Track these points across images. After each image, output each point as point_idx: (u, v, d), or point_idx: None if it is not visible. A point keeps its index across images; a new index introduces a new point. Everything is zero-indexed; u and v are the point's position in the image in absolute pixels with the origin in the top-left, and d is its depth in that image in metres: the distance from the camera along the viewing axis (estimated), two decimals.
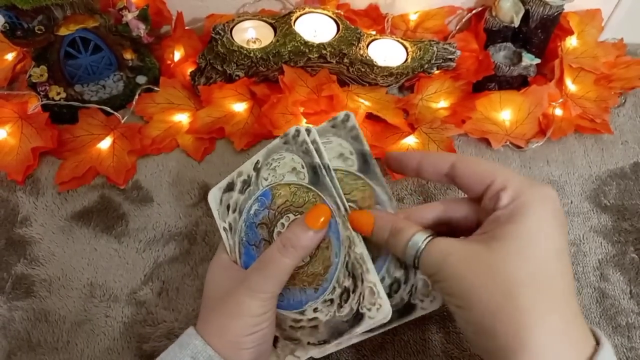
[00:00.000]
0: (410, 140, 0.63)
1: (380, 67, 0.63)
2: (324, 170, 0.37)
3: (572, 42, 0.71)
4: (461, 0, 0.73)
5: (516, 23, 0.66)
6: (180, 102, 0.65)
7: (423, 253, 0.32)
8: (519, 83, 0.68)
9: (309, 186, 0.38)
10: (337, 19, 0.66)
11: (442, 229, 0.35)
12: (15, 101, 0.63)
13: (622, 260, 0.56)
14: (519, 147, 0.64)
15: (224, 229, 0.43)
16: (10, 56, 0.69)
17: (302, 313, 0.38)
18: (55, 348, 0.49)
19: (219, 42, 0.62)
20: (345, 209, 0.37)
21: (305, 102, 0.63)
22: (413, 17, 0.74)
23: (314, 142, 0.39)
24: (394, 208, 0.38)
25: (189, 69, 0.68)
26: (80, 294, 0.52)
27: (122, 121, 0.63)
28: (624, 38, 0.74)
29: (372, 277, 0.35)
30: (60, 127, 0.62)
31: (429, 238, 0.32)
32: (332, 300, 0.36)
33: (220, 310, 0.38)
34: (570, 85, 0.68)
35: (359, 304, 0.35)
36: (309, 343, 0.38)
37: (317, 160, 0.38)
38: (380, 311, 0.34)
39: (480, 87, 0.67)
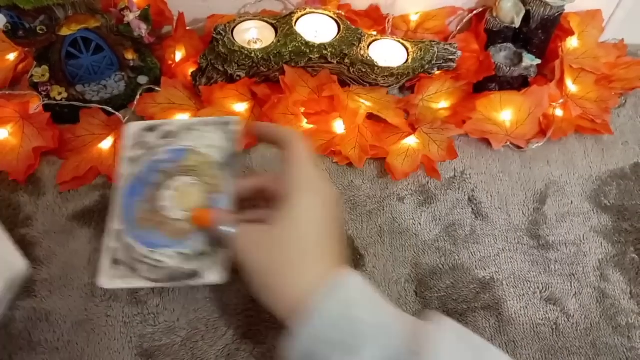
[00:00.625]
0: (411, 141, 0.63)
1: (381, 67, 0.63)
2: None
3: (572, 42, 0.71)
4: (462, 1, 0.73)
5: (517, 24, 0.66)
6: (182, 102, 0.65)
7: (228, 239, 0.40)
8: (520, 83, 0.68)
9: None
10: (338, 20, 0.66)
11: (261, 197, 0.45)
12: (16, 101, 0.63)
13: (622, 261, 0.56)
14: (519, 147, 0.64)
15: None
16: (12, 56, 0.69)
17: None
18: (56, 347, 0.49)
19: (220, 42, 0.62)
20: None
21: (306, 103, 0.63)
22: (414, 18, 0.74)
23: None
24: (231, 201, 0.44)
25: (190, 69, 0.68)
26: (81, 293, 0.52)
27: (124, 121, 0.63)
28: (625, 39, 0.74)
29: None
30: (62, 127, 0.62)
31: (233, 229, 0.40)
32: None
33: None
34: (571, 86, 0.68)
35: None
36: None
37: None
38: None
39: (480, 87, 0.67)
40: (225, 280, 0.42)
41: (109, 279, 0.43)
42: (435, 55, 0.65)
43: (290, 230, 0.38)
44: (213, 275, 0.42)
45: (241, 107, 0.64)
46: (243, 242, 0.39)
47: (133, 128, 0.48)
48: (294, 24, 0.64)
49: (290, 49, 0.62)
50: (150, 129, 0.47)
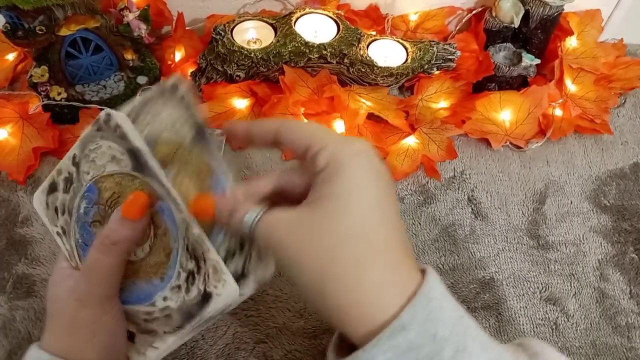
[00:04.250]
0: (411, 141, 0.63)
1: (381, 67, 0.63)
2: (144, 154, 0.34)
3: (572, 42, 0.71)
4: (461, 1, 0.73)
5: (516, 23, 0.66)
6: None
7: (255, 228, 0.31)
8: (519, 83, 0.68)
9: (134, 173, 0.35)
10: (337, 20, 0.66)
11: (279, 199, 0.34)
12: (16, 101, 0.63)
13: (622, 261, 0.56)
14: (518, 147, 0.64)
15: (57, 233, 0.40)
16: (11, 56, 0.69)
17: (153, 304, 0.37)
18: None
19: (220, 42, 0.62)
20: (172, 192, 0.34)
21: (306, 103, 0.63)
22: (413, 18, 0.74)
23: (118, 126, 0.35)
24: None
25: (190, 69, 0.68)
26: None
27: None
28: (624, 38, 0.74)
29: (213, 255, 0.34)
30: (61, 127, 0.62)
31: (260, 213, 0.31)
32: (179, 286, 0.35)
33: (58, 328, 0.36)
34: (570, 86, 0.68)
35: (205, 284, 0.34)
36: (165, 332, 0.37)
37: (135, 144, 0.34)
38: (226, 286, 0.34)
39: (480, 87, 0.67)
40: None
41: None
42: (435, 55, 0.65)
43: (347, 210, 0.29)
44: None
45: (242, 103, 0.64)
46: (276, 231, 0.30)
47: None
48: (293, 24, 0.64)
49: (289, 49, 0.62)
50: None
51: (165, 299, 0.36)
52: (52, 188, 0.40)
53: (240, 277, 0.35)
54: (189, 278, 0.35)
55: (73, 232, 0.39)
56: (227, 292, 0.34)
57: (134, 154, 0.35)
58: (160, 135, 0.36)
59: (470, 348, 0.27)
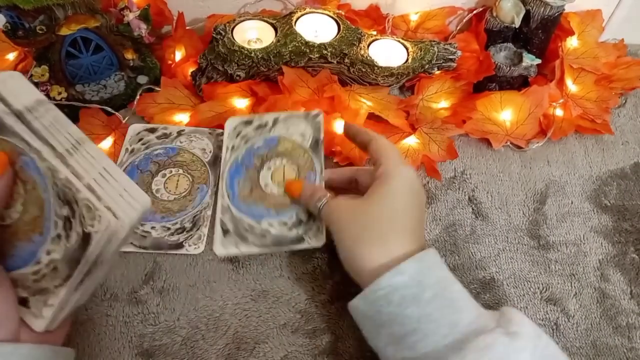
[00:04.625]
0: (411, 141, 0.63)
1: (381, 67, 0.63)
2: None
3: (572, 42, 0.71)
4: (462, 1, 0.73)
5: (517, 23, 0.66)
6: (181, 102, 0.65)
7: (322, 210, 0.47)
8: (520, 83, 0.68)
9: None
10: (338, 19, 0.66)
11: (352, 186, 0.51)
12: None
13: (623, 261, 0.56)
14: (519, 147, 0.64)
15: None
16: (11, 56, 0.69)
17: (39, 262, 0.37)
18: None
19: (220, 42, 0.62)
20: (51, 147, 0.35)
21: (306, 103, 0.63)
22: (414, 18, 0.74)
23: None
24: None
25: (190, 69, 0.68)
26: None
27: (123, 121, 0.63)
28: (625, 39, 0.74)
29: (84, 193, 0.34)
30: None
31: (325, 200, 0.47)
32: (59, 235, 0.36)
33: None
34: (571, 86, 0.68)
35: (82, 226, 0.35)
36: (55, 286, 0.37)
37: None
38: (102, 221, 0.34)
39: (480, 87, 0.67)
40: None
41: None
42: (435, 55, 0.65)
43: (384, 204, 0.43)
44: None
45: (242, 103, 0.64)
46: (335, 212, 0.45)
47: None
48: (293, 24, 0.64)
49: (290, 49, 0.62)
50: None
51: (48, 252, 0.36)
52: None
53: (296, 240, 0.50)
54: (66, 224, 0.35)
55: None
56: (104, 226, 0.34)
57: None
58: (290, 137, 0.54)
59: (447, 295, 0.40)
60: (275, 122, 0.56)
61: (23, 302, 0.38)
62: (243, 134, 0.55)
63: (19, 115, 0.35)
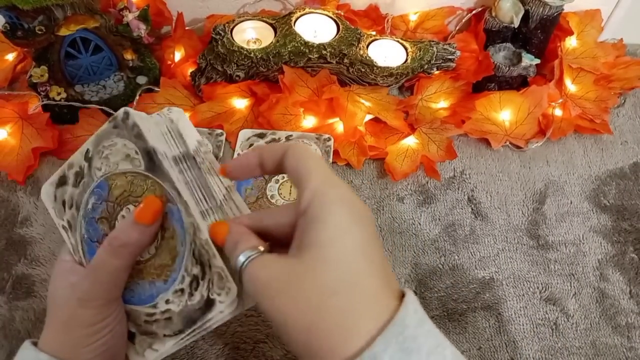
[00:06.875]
0: (410, 141, 0.63)
1: (380, 67, 0.63)
2: (159, 155, 0.35)
3: (571, 42, 0.71)
4: (461, 1, 0.73)
5: (516, 23, 0.66)
6: (181, 102, 0.65)
7: (243, 272, 0.31)
8: (519, 83, 0.68)
9: (146, 173, 0.35)
10: (337, 20, 0.66)
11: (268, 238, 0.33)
12: (15, 101, 0.63)
13: (622, 260, 0.56)
14: (518, 147, 0.64)
15: (63, 227, 0.40)
16: (10, 56, 0.69)
17: (155, 306, 0.36)
18: None
19: (220, 42, 0.62)
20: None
21: (305, 103, 0.63)
22: (413, 18, 0.74)
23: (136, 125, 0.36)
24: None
25: (190, 69, 0.68)
26: None
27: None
28: (624, 38, 0.74)
29: (219, 262, 0.33)
30: (61, 128, 0.62)
31: (252, 256, 0.30)
32: (182, 290, 0.35)
33: (56, 323, 0.36)
34: (570, 86, 0.68)
35: (209, 290, 0.34)
36: (165, 335, 0.37)
37: (151, 144, 0.35)
38: (229, 295, 0.33)
39: (480, 87, 0.67)
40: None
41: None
42: (435, 55, 0.65)
43: (329, 265, 0.28)
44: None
45: (242, 103, 0.64)
46: (258, 281, 0.30)
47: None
48: (293, 24, 0.64)
49: (289, 49, 0.62)
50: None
51: (167, 301, 0.36)
52: (62, 181, 0.40)
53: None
54: (193, 283, 0.35)
55: (79, 227, 0.39)
56: (230, 300, 0.33)
57: (149, 154, 0.35)
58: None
59: None
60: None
61: (130, 337, 0.38)
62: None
63: (180, 160, 0.35)
